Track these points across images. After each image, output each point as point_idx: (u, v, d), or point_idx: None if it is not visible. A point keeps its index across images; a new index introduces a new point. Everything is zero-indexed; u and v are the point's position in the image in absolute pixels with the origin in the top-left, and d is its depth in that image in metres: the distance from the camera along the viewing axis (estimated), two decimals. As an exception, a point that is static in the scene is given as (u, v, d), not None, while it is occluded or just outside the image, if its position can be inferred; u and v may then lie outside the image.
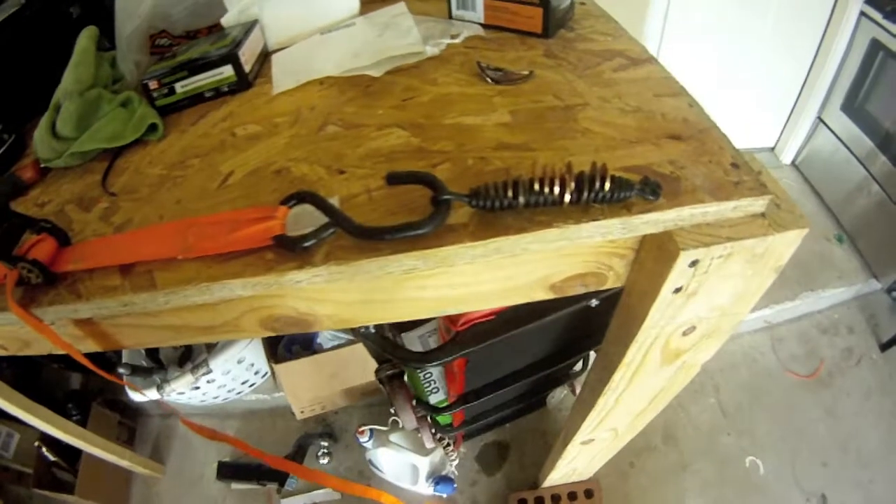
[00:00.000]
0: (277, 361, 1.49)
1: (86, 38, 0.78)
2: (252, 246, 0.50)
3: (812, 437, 1.65)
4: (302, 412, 1.69)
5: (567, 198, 0.44)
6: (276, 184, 0.59)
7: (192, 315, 0.58)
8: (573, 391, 1.29)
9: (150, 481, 1.74)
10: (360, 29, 0.83)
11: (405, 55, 0.75)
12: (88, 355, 0.61)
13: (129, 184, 0.66)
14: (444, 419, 1.17)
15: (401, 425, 1.27)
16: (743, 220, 0.51)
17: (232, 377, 1.58)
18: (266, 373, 1.68)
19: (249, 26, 0.82)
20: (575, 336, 0.94)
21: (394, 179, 0.50)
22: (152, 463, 1.73)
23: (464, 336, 0.75)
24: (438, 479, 1.45)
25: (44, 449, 1.59)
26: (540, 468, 1.51)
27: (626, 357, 0.66)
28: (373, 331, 0.79)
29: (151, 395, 1.47)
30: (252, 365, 1.61)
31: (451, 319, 0.76)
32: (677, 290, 0.54)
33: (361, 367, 1.48)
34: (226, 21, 0.85)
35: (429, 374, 0.97)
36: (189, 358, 1.61)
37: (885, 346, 1.81)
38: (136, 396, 1.55)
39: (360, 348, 1.44)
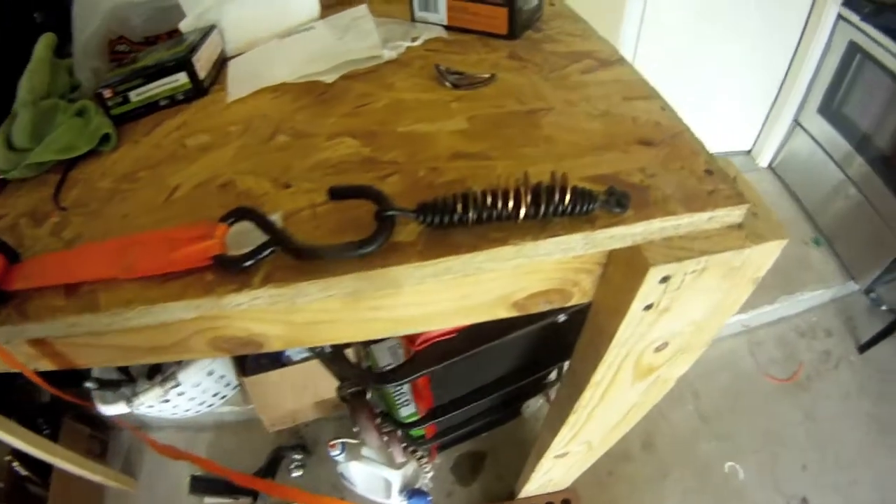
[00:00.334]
0: (246, 375, 1.44)
1: (43, 46, 0.74)
2: (191, 266, 0.46)
3: (792, 441, 1.63)
4: (273, 425, 1.63)
5: (523, 212, 0.40)
6: (222, 198, 0.54)
7: (140, 336, 0.54)
8: (548, 400, 1.25)
9: (123, 495, 1.67)
10: (319, 33, 0.78)
11: (362, 59, 0.70)
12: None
13: (80, 197, 0.61)
14: (416, 432, 1.13)
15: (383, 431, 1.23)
16: (718, 232, 0.47)
17: (202, 389, 1.52)
18: (237, 385, 1.62)
19: (207, 31, 0.77)
20: (545, 349, 0.90)
21: (337, 194, 0.46)
22: (124, 477, 1.66)
23: (422, 356, 0.70)
24: (412, 492, 1.39)
25: (15, 464, 1.52)
26: (516, 478, 1.47)
27: (595, 376, 0.63)
28: (329, 350, 0.74)
29: (120, 408, 1.42)
30: (223, 377, 1.55)
31: (410, 338, 0.72)
32: (648, 307, 0.50)
33: (332, 379, 1.42)
34: (184, 26, 0.80)
35: (398, 388, 0.92)
36: (159, 370, 1.55)
37: (863, 348, 1.80)
38: (105, 410, 1.49)
39: (331, 360, 1.39)
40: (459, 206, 0.40)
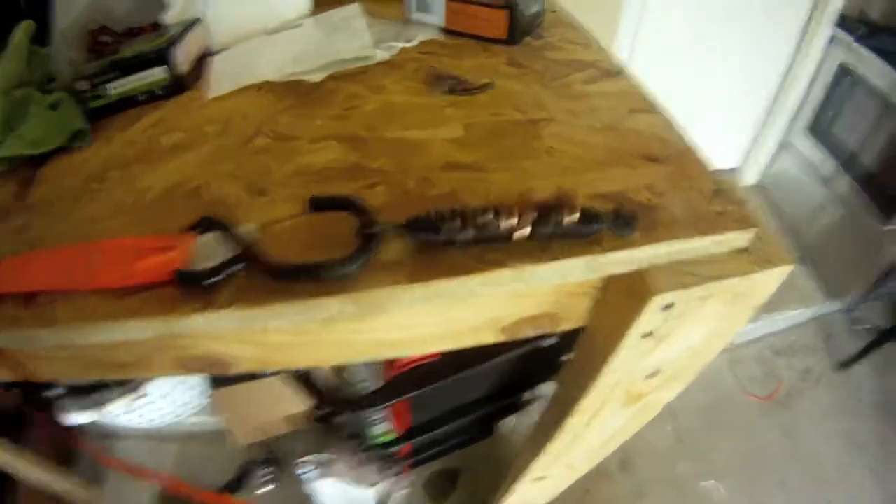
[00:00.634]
0: (214, 387, 1.37)
1: (20, 33, 0.70)
2: (152, 280, 0.41)
3: (770, 459, 1.61)
4: (242, 439, 1.56)
5: (527, 232, 0.36)
6: (193, 204, 0.50)
7: (102, 352, 0.49)
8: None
9: (89, 505, 1.60)
10: (308, 30, 0.74)
11: (352, 59, 0.66)
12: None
13: (47, 196, 0.57)
14: (391, 451, 1.08)
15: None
16: (725, 256, 0.44)
17: (171, 400, 1.46)
18: (207, 396, 1.56)
19: (190, 24, 0.73)
20: (530, 370, 0.86)
21: (317, 204, 0.41)
22: (90, 487, 1.59)
23: (401, 379, 0.66)
24: (385, 511, 1.35)
25: (-21, 474, 1.45)
26: (490, 495, 1.42)
27: (583, 403, 0.59)
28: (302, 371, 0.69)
29: (84, 418, 1.35)
30: (192, 388, 1.48)
31: (389, 361, 0.67)
32: (647, 335, 0.47)
33: (305, 393, 1.37)
34: (168, 18, 0.75)
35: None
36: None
37: (842, 367, 1.79)
38: (68, 420, 1.42)
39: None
40: (457, 223, 0.36)
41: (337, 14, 0.76)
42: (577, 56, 0.65)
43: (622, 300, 0.45)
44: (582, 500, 1.53)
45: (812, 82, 1.88)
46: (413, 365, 0.67)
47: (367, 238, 0.39)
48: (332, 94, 0.62)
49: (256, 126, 0.59)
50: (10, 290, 0.45)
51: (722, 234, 0.43)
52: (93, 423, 1.49)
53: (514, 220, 0.36)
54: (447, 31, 0.72)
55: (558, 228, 0.37)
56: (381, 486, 1.28)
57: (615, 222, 0.39)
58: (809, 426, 1.68)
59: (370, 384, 0.90)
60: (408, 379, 0.67)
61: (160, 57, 0.66)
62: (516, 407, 1.16)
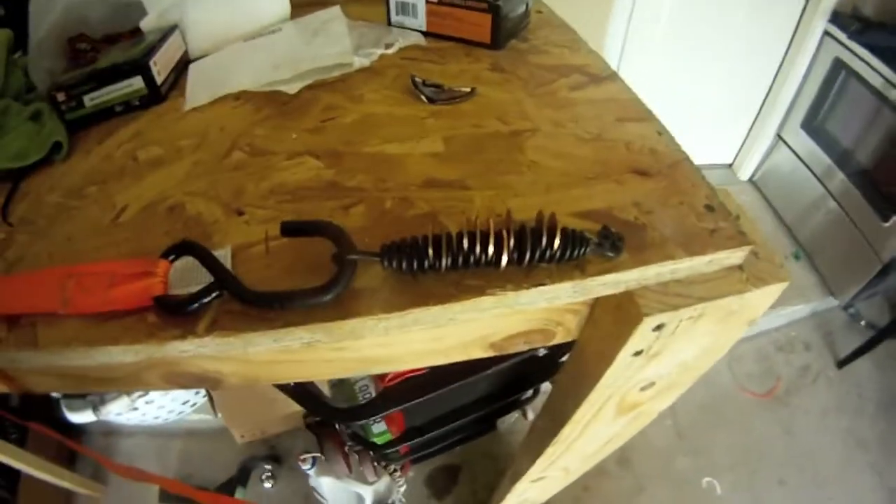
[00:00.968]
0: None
1: None
2: (132, 306, 0.40)
3: (769, 456, 1.59)
4: (242, 436, 1.56)
5: (505, 259, 0.33)
6: (169, 224, 0.48)
7: (90, 368, 0.47)
8: (524, 415, 1.19)
9: (92, 502, 1.58)
10: (287, 35, 0.71)
11: (330, 67, 0.63)
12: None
13: (27, 213, 0.55)
14: (389, 450, 1.06)
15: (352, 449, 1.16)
16: (717, 275, 0.42)
17: (171, 398, 1.45)
18: (207, 394, 1.55)
19: (168, 31, 0.70)
20: (525, 375, 0.84)
21: (290, 230, 0.39)
22: (93, 483, 1.58)
23: (393, 391, 0.64)
24: (385, 507, 1.33)
25: (-18, 469, 1.45)
26: (490, 492, 1.42)
27: (576, 414, 0.57)
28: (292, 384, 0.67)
29: (88, 416, 1.36)
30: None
31: (379, 374, 0.65)
32: (637, 353, 0.44)
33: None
34: (145, 25, 0.72)
35: (369, 416, 0.86)
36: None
37: (841, 364, 1.77)
38: (72, 418, 1.42)
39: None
40: (430, 251, 0.33)
41: (317, 18, 0.72)
42: (564, 60, 0.62)
43: (613, 320, 0.43)
44: (581, 496, 1.51)
45: (805, 78, 1.85)
46: (402, 378, 0.65)
47: (344, 266, 0.36)
48: (309, 104, 0.59)
49: (233, 140, 0.56)
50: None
51: (713, 254, 0.40)
52: (97, 422, 1.49)
53: (496, 248, 0.33)
54: (429, 35, 0.69)
55: (542, 254, 0.35)
56: (381, 483, 1.27)
57: (601, 244, 0.36)
58: (809, 423, 1.66)
59: (370, 386, 0.88)
60: (398, 391, 0.65)
61: (136, 67, 0.64)
62: (518, 404, 1.14)
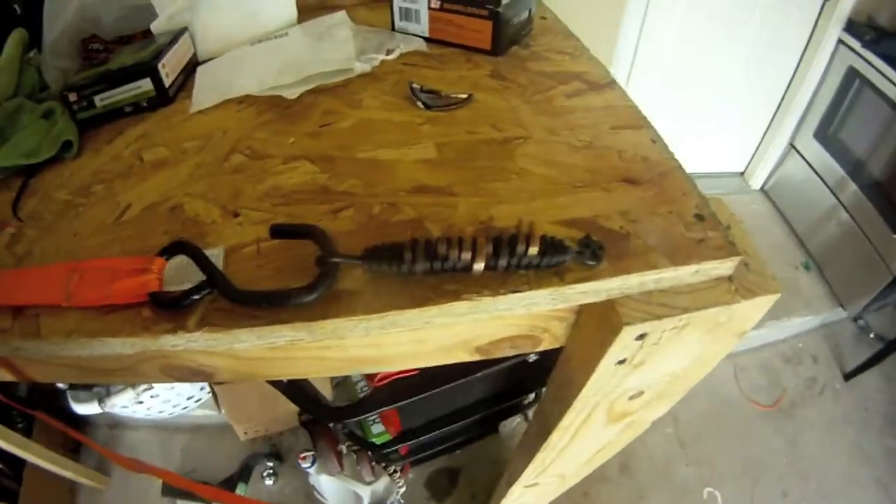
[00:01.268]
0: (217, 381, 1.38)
1: (12, 43, 0.69)
2: (129, 301, 0.42)
3: (772, 468, 1.57)
4: (245, 433, 1.57)
5: (481, 266, 0.34)
6: (169, 224, 0.49)
7: (91, 359, 0.49)
8: (526, 419, 1.19)
9: (96, 493, 1.61)
10: (293, 40, 0.72)
11: (331, 73, 0.64)
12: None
13: (36, 209, 0.56)
14: (388, 450, 1.07)
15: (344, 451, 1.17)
16: (704, 285, 0.42)
17: (176, 393, 1.45)
18: (211, 389, 1.56)
19: (177, 34, 0.71)
20: (520, 379, 0.84)
21: (278, 233, 0.40)
22: (97, 475, 1.60)
23: (382, 392, 0.64)
24: (384, 507, 1.34)
25: (-12, 456, 1.47)
26: (490, 496, 1.41)
27: (563, 421, 0.57)
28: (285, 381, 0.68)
29: (93, 408, 1.36)
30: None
31: (369, 374, 0.66)
32: (621, 362, 0.45)
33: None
34: (156, 27, 0.74)
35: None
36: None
37: (848, 376, 1.74)
38: (78, 409, 1.43)
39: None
40: (409, 255, 0.34)
41: (323, 23, 0.73)
42: (564, 67, 0.63)
43: (595, 327, 0.43)
44: (580, 502, 1.51)
45: (819, 87, 1.83)
46: (392, 378, 0.66)
47: (327, 268, 0.37)
48: (309, 108, 0.60)
49: (233, 143, 0.57)
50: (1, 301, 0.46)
51: (699, 264, 0.40)
52: (102, 414, 1.52)
53: (472, 254, 0.33)
54: (431, 41, 0.69)
55: (520, 261, 0.35)
56: (380, 483, 1.27)
57: (581, 253, 0.36)
58: (814, 435, 1.64)
59: (367, 385, 0.89)
60: (389, 391, 0.66)
61: (145, 70, 0.65)
62: (520, 408, 1.14)
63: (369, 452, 1.01)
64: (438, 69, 0.64)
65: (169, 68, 0.68)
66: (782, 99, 1.95)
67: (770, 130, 2.05)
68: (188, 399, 1.51)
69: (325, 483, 1.31)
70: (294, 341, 0.39)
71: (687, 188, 0.47)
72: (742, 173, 2.24)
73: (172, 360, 0.48)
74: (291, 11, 0.76)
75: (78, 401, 1.38)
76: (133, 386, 1.37)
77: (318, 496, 1.41)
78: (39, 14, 0.76)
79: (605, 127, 0.53)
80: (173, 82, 0.69)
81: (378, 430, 0.98)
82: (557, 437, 0.63)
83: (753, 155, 2.16)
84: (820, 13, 1.71)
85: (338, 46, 0.67)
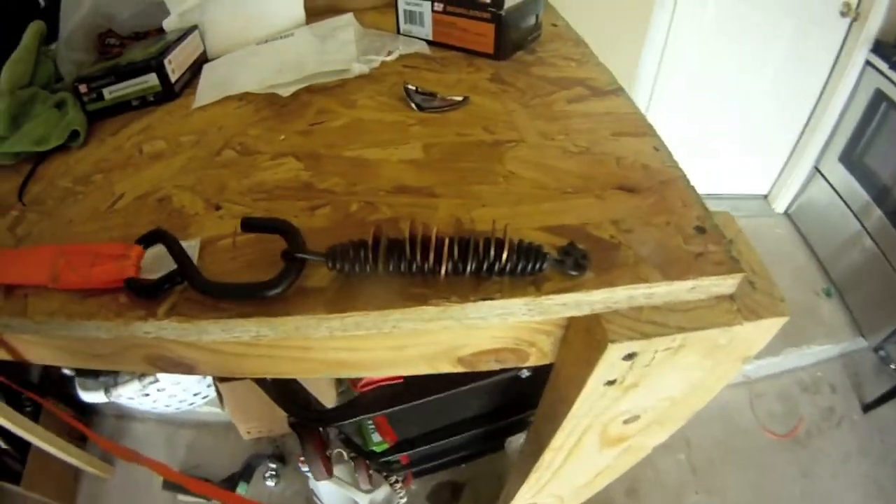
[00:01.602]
0: (220, 379, 1.37)
1: (30, 35, 0.71)
2: (106, 285, 0.42)
3: (786, 499, 1.50)
4: (248, 433, 1.55)
5: (444, 268, 0.30)
6: (155, 214, 0.49)
7: (80, 342, 0.50)
8: (532, 438, 1.15)
9: (99, 481, 1.61)
10: (297, 40, 0.71)
11: (328, 73, 0.62)
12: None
13: (40, 194, 0.58)
14: (390, 458, 1.04)
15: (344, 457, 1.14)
16: (703, 303, 0.38)
17: (183, 388, 1.45)
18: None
19: (187, 32, 0.72)
20: (521, 395, 0.80)
21: (249, 226, 0.38)
22: (102, 463, 1.61)
23: (365, 399, 0.62)
24: (383, 516, 1.30)
25: (-5, 436, 1.48)
26: (491, 512, 1.37)
27: (554, 441, 0.54)
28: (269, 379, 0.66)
29: (99, 397, 1.37)
30: (204, 377, 1.47)
31: (353, 380, 0.63)
32: (610, 382, 0.41)
33: (312, 388, 1.34)
34: (167, 24, 0.74)
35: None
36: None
37: (867, 408, 1.66)
38: (85, 397, 1.44)
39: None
40: (369, 255, 0.31)
41: (328, 24, 0.72)
42: (569, 73, 0.60)
43: (582, 344, 0.40)
44: (585, 526, 1.45)
45: (845, 109, 1.76)
46: (375, 385, 0.63)
47: (292, 263, 0.35)
48: (304, 107, 0.59)
49: (227, 138, 0.57)
50: (-3, 280, 0.48)
51: (696, 280, 0.37)
52: (109, 404, 1.52)
53: (435, 255, 0.30)
54: (435, 44, 0.67)
55: (490, 266, 0.32)
56: (380, 492, 1.24)
57: (562, 262, 0.33)
58: (828, 467, 1.55)
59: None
60: (373, 398, 0.63)
61: (151, 65, 0.65)
62: (525, 424, 1.10)
63: (367, 461, 0.98)
64: (438, 72, 0.62)
65: (175, 64, 0.68)
66: (808, 121, 1.88)
67: (795, 153, 1.98)
68: (194, 395, 1.51)
69: (324, 488, 1.28)
70: (259, 337, 0.38)
71: (689, 199, 0.43)
72: (766, 196, 2.17)
73: (153, 350, 0.48)
74: (299, 12, 0.75)
75: (85, 389, 1.39)
76: (139, 378, 1.37)
77: (318, 501, 1.38)
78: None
79: (604, 133, 0.49)
80: (179, 78, 0.70)
81: (377, 439, 0.96)
82: (550, 458, 0.59)
83: (777, 178, 2.09)
84: (847, 33, 1.65)
85: (339, 47, 0.65)
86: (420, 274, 0.33)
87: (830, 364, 1.77)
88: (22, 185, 0.59)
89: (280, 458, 1.56)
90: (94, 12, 0.77)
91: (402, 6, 0.68)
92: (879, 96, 1.62)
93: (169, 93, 0.68)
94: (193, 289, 0.38)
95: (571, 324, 0.40)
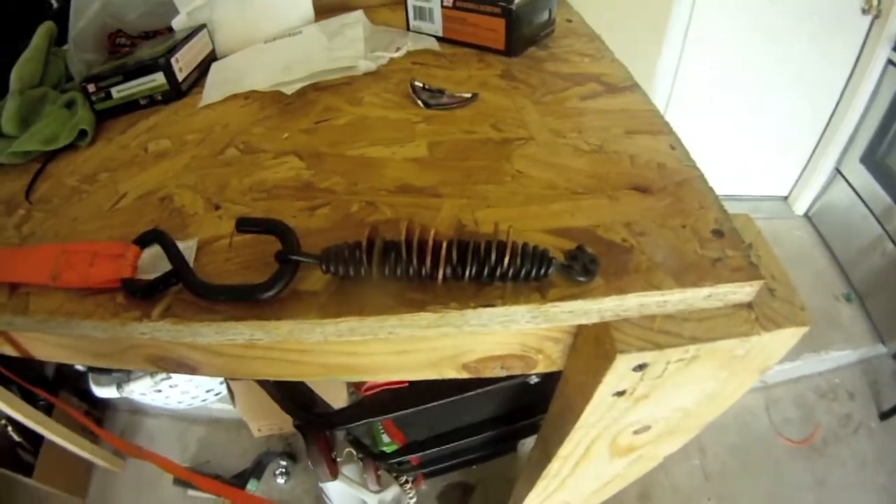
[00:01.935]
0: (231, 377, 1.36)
1: (41, 35, 0.71)
2: (104, 285, 0.42)
3: (800, 507, 1.45)
4: (259, 430, 1.55)
5: (441, 273, 0.28)
6: (156, 213, 0.49)
7: (81, 341, 0.49)
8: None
9: (110, 475, 1.62)
10: (305, 38, 0.69)
11: (334, 70, 0.60)
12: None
13: (47, 192, 0.58)
14: (399, 460, 1.02)
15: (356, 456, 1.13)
16: (719, 312, 0.36)
17: (195, 384, 1.45)
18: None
19: (194, 31, 0.71)
20: (533, 399, 0.78)
21: (244, 227, 0.37)
22: (113, 457, 1.61)
23: (369, 402, 0.60)
24: (393, 517, 1.28)
25: (9, 428, 1.47)
26: (504, 515, 1.34)
27: (562, 450, 0.51)
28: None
29: (112, 392, 1.38)
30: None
31: (357, 383, 0.61)
32: (620, 393, 0.38)
33: (321, 390, 1.33)
34: (176, 24, 0.73)
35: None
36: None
37: (885, 415, 1.60)
38: (98, 392, 1.45)
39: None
40: (364, 258, 0.29)
41: (337, 21, 0.70)
42: (582, 69, 0.57)
43: (591, 353, 0.37)
44: (593, 529, 1.42)
45: (867, 109, 1.70)
46: (379, 389, 0.61)
47: (285, 265, 0.33)
48: (309, 105, 0.57)
49: (231, 137, 0.55)
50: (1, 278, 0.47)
51: (713, 287, 0.34)
52: (122, 399, 1.53)
53: (432, 260, 0.28)
54: (445, 41, 0.65)
55: (492, 271, 0.30)
56: (389, 493, 1.23)
57: (569, 266, 0.31)
58: (844, 475, 1.51)
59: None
60: (378, 402, 0.61)
61: (158, 64, 0.65)
62: (537, 428, 1.08)
63: (376, 462, 0.96)
64: (448, 68, 0.59)
65: (183, 63, 0.68)
66: (829, 121, 1.82)
67: (815, 154, 1.91)
68: (207, 392, 1.51)
69: (333, 488, 1.27)
70: (253, 340, 0.36)
71: (706, 200, 0.40)
72: (786, 198, 2.11)
73: (154, 349, 0.48)
74: (308, 9, 0.74)
75: (98, 384, 1.40)
76: (152, 374, 1.37)
77: (327, 500, 1.37)
78: (71, 9, 0.78)
79: (618, 130, 0.47)
80: (187, 77, 0.69)
81: (387, 440, 0.94)
82: (558, 466, 0.57)
83: (798, 179, 2.03)
84: (869, 32, 1.59)
85: (347, 44, 0.64)
86: (417, 278, 0.31)
87: (849, 370, 1.72)
88: (30, 183, 0.59)
89: (291, 456, 1.56)
90: (104, 12, 0.76)
91: (411, 2, 0.66)
92: (902, 96, 1.57)
93: (176, 91, 0.67)
94: (188, 290, 0.37)
95: (580, 331, 0.38)
